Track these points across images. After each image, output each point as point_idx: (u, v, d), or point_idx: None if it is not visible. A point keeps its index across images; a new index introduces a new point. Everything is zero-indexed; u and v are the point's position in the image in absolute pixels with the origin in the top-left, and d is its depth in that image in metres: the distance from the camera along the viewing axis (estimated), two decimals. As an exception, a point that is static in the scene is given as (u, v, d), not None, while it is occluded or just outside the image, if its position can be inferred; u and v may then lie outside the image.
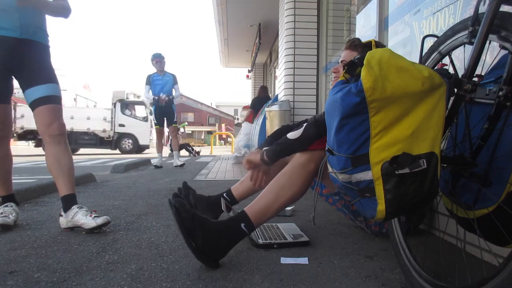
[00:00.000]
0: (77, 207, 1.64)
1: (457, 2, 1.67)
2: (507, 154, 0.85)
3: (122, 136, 12.97)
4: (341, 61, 1.53)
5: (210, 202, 1.72)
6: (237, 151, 6.22)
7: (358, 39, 1.53)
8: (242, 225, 1.22)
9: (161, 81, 5.24)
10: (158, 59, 5.26)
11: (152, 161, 6.01)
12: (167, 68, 5.36)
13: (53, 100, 1.71)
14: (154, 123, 5.33)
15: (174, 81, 5.28)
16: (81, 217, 1.59)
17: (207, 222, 1.18)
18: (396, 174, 0.79)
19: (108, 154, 11.86)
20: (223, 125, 28.80)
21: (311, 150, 1.33)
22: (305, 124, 1.36)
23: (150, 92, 5.17)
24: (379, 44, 1.49)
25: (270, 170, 1.48)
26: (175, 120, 5.36)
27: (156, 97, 5.08)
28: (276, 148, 1.37)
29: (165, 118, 5.28)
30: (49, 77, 1.72)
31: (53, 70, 1.78)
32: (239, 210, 1.64)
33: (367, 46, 1.46)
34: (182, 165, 5.32)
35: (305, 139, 1.32)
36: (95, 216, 1.59)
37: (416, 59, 1.00)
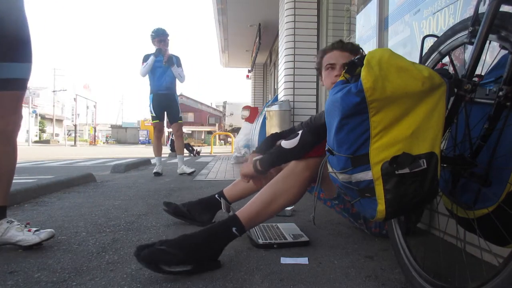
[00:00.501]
0: (7, 222, 1.36)
1: (457, 2, 1.67)
2: (507, 154, 0.85)
3: None
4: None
5: (204, 203, 1.73)
6: (237, 151, 6.22)
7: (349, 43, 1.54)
8: (234, 229, 1.22)
9: (162, 61, 4.11)
10: (161, 38, 4.08)
11: (152, 161, 5.99)
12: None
13: (17, 86, 1.36)
14: (152, 116, 4.16)
15: (178, 63, 4.19)
16: (16, 233, 1.33)
17: (188, 238, 1.16)
18: (396, 174, 0.79)
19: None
20: (222, 124, 28.83)
21: (307, 158, 1.32)
22: (300, 132, 1.34)
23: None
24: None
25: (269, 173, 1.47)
26: (180, 115, 4.22)
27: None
28: (270, 158, 1.36)
29: (165, 113, 4.20)
30: (21, 53, 1.35)
31: (30, 40, 1.39)
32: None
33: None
34: (191, 173, 4.20)
35: (302, 147, 1.31)
36: (36, 231, 1.35)
37: (416, 59, 1.00)
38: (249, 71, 12.27)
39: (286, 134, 1.70)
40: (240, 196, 1.71)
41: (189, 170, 4.23)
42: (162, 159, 4.43)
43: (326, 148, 0.96)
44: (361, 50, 1.50)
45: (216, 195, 1.71)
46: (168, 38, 4.16)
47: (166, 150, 5.76)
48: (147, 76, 4.15)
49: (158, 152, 4.24)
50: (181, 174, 4.20)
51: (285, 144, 1.34)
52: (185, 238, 1.16)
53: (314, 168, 1.31)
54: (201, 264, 1.13)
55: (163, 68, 4.09)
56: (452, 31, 1.00)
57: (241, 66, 12.28)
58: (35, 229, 1.37)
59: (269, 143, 1.59)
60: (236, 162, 6.01)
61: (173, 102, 4.19)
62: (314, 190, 1.34)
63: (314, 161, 1.31)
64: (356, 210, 1.45)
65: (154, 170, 4.15)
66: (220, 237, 1.20)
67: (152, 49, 4.17)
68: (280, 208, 1.32)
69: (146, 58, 4.10)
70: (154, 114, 4.15)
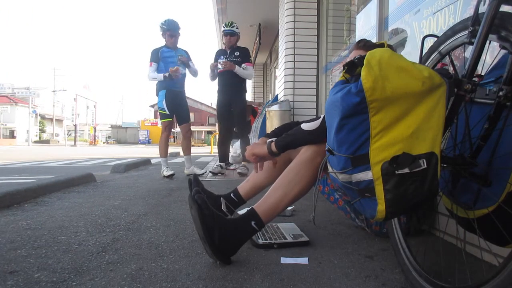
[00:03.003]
0: None
1: (457, 2, 1.67)
2: (507, 154, 0.85)
3: None
4: None
5: (218, 202, 1.68)
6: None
7: (369, 41, 1.50)
8: (253, 223, 1.23)
9: (175, 57, 3.86)
10: (172, 33, 3.83)
11: (154, 161, 5.94)
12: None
13: None
14: (165, 114, 3.84)
15: (188, 57, 4.00)
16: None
17: (224, 221, 1.20)
18: (396, 174, 0.79)
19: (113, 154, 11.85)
20: None
21: (318, 144, 1.30)
22: (322, 116, 1.31)
23: (155, 72, 3.78)
24: (390, 46, 1.47)
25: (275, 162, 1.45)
26: (189, 115, 3.97)
27: (167, 74, 3.70)
28: (288, 138, 1.33)
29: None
30: None
31: None
32: (238, 211, 1.64)
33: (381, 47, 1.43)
34: (202, 174, 4.00)
35: (321, 131, 1.27)
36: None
37: (416, 59, 1.00)
38: (249, 71, 12.24)
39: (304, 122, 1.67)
40: (254, 191, 1.64)
41: (200, 171, 4.04)
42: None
43: (326, 148, 0.96)
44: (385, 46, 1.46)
45: (232, 194, 1.66)
46: (179, 34, 3.91)
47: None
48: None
49: (165, 153, 3.95)
50: (188, 175, 3.94)
51: (305, 126, 1.31)
52: (224, 219, 1.21)
53: (324, 153, 1.29)
54: (218, 249, 1.16)
55: (175, 63, 3.84)
56: (452, 31, 1.00)
57: (241, 66, 12.24)
58: None
59: (286, 128, 1.55)
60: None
61: (184, 101, 3.99)
62: (317, 183, 1.33)
63: (324, 146, 1.29)
64: None
65: (167, 173, 3.81)
66: (240, 232, 1.21)
67: (160, 41, 3.92)
68: (295, 198, 1.31)
69: (154, 55, 3.81)
70: (167, 112, 3.82)
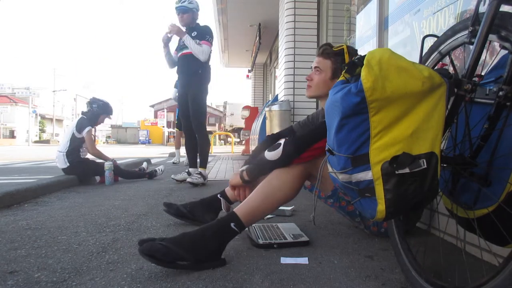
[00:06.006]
0: None
1: (457, 2, 1.67)
2: (507, 154, 0.85)
3: None
4: (315, 67, 1.55)
5: (206, 203, 1.72)
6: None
7: (330, 47, 1.54)
8: (232, 224, 1.23)
9: None
10: None
11: (152, 161, 5.94)
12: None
13: None
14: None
15: None
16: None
17: (186, 236, 1.18)
18: (396, 174, 0.79)
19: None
20: (223, 124, 28.84)
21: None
22: (282, 143, 1.35)
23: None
24: (351, 49, 1.50)
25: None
26: None
27: None
28: (256, 168, 1.42)
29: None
30: None
31: None
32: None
33: (339, 54, 1.49)
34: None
35: (285, 157, 1.33)
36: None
37: (416, 59, 1.00)
38: (249, 71, 12.27)
39: (285, 133, 1.70)
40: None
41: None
42: (162, 159, 4.29)
43: (326, 148, 0.96)
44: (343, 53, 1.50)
45: (218, 195, 1.70)
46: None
47: (165, 150, 5.60)
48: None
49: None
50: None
51: (269, 155, 1.36)
52: (183, 235, 1.19)
53: (307, 161, 1.34)
54: (200, 261, 1.14)
55: None
56: (452, 31, 1.00)
57: (241, 66, 12.28)
58: None
59: (268, 145, 1.59)
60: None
61: None
62: (314, 189, 1.34)
63: (306, 154, 1.33)
64: (352, 208, 1.46)
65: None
66: (219, 233, 1.21)
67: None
68: (277, 203, 1.33)
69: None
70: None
